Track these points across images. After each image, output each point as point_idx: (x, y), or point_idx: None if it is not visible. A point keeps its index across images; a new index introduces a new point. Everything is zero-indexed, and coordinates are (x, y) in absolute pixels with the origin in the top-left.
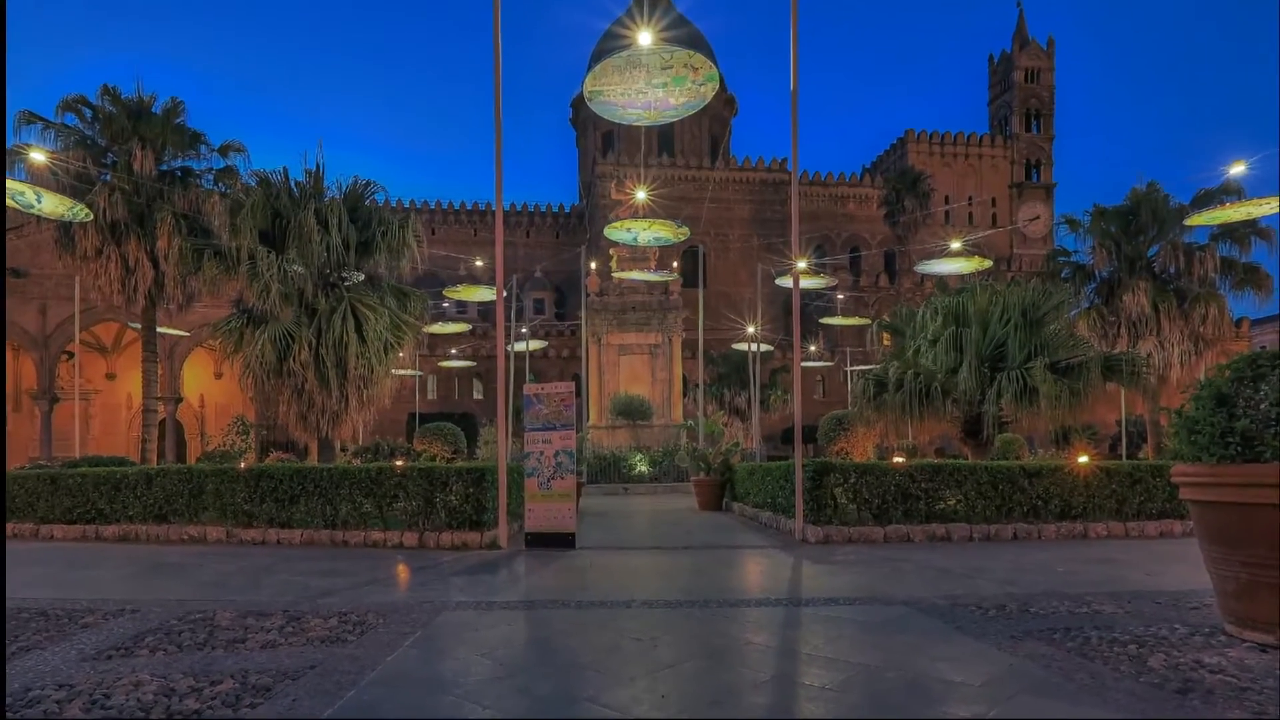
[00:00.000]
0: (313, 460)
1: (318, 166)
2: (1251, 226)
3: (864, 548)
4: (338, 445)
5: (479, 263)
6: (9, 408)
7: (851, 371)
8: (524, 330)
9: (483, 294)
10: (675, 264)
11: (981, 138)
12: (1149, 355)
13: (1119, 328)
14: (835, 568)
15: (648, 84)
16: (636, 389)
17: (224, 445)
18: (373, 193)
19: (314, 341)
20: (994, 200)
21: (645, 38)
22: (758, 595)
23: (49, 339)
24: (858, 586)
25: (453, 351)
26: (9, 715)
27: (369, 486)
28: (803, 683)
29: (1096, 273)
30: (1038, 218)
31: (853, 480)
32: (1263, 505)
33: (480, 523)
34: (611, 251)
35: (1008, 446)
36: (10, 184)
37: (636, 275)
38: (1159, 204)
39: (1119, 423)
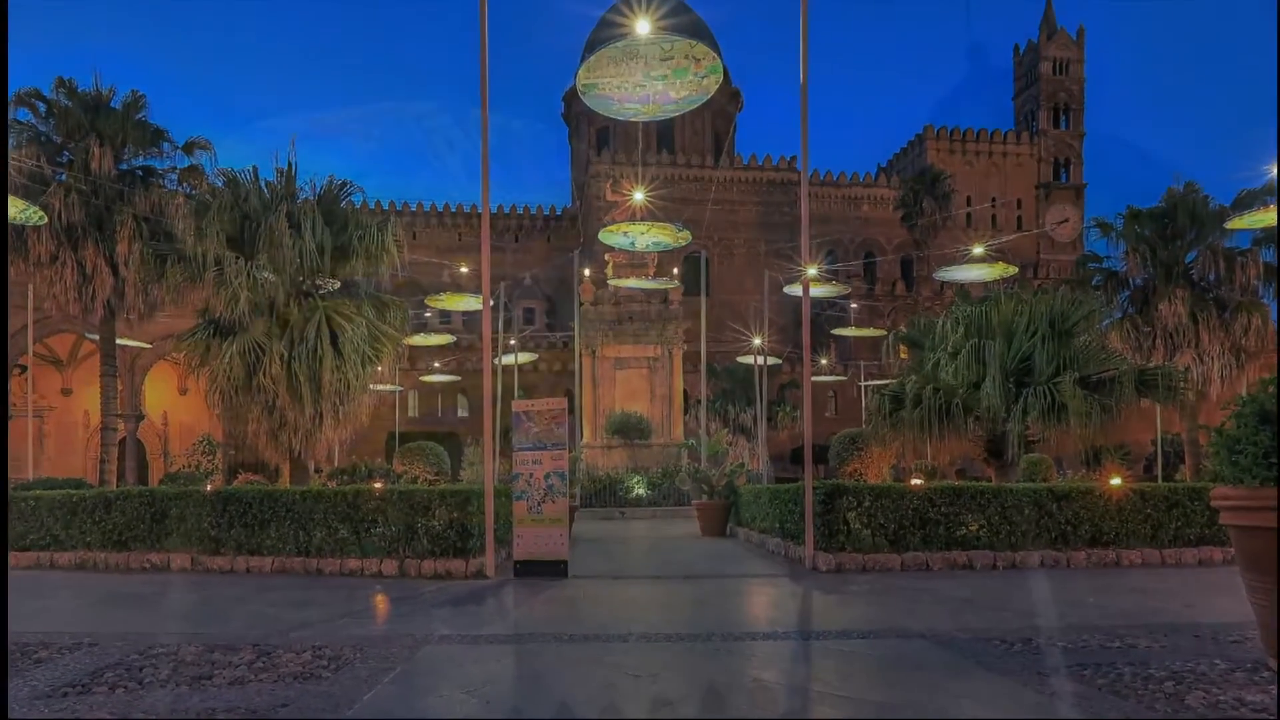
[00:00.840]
0: (285, 482)
1: (290, 165)
2: None
3: (879, 576)
4: (311, 466)
5: (464, 269)
6: None
7: (866, 387)
8: (513, 342)
9: (468, 303)
10: (676, 270)
11: (1006, 134)
12: (1187, 369)
13: (1154, 339)
14: (848, 598)
15: (646, 76)
16: (634, 405)
17: (189, 466)
18: (349, 193)
19: (286, 354)
20: (1019, 202)
21: (643, 26)
22: (765, 628)
23: None
24: (872, 619)
25: (435, 365)
26: None
27: (345, 511)
28: None
29: (1130, 280)
30: (1066, 220)
31: (867, 504)
32: None
33: (465, 550)
34: (607, 257)
35: (1034, 468)
36: None
37: (634, 283)
38: (1197, 206)
39: (1154, 442)
